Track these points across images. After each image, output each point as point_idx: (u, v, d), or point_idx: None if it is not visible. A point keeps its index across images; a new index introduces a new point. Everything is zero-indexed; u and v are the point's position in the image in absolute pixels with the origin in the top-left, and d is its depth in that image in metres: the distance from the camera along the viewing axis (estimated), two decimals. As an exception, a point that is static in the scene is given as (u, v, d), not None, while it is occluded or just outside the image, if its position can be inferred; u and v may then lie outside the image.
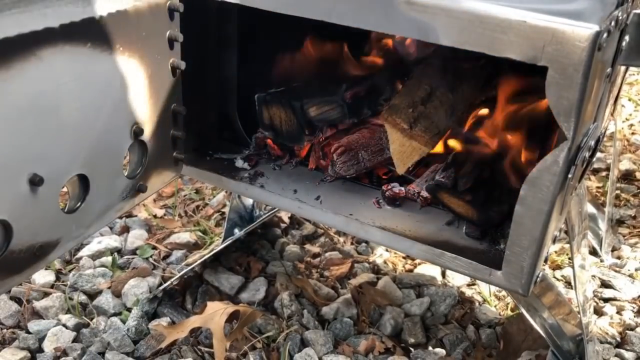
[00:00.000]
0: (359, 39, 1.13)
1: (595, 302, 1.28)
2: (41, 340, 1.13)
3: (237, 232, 1.32)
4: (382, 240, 0.87)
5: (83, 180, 0.78)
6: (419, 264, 1.37)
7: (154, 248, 1.40)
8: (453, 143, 0.97)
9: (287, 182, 0.96)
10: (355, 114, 1.01)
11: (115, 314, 1.20)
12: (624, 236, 1.51)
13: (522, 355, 1.12)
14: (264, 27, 0.99)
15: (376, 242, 1.26)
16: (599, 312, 1.25)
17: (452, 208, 0.86)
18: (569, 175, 0.68)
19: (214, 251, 1.30)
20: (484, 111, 1.00)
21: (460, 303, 1.26)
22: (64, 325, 1.16)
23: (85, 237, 0.84)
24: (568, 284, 1.33)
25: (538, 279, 0.76)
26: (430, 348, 1.16)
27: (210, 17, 0.97)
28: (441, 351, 1.14)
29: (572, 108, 0.62)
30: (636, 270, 1.38)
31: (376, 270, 1.36)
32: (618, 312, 1.25)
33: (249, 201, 1.35)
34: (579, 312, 1.00)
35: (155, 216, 1.52)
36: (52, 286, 1.27)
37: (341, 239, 1.46)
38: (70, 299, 1.22)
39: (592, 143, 0.73)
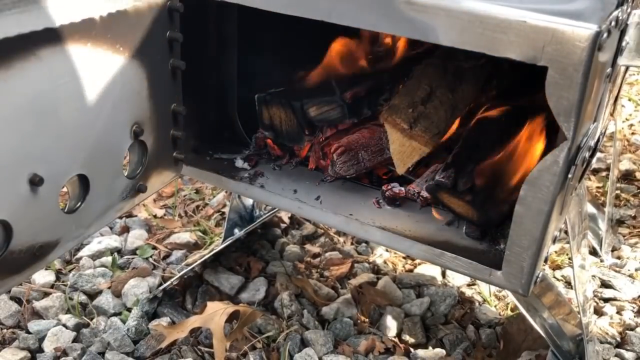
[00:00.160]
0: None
1: (595, 302, 1.28)
2: (41, 340, 1.13)
3: (237, 232, 1.32)
4: (382, 240, 0.87)
5: (83, 180, 0.78)
6: (419, 264, 1.37)
7: (154, 248, 1.40)
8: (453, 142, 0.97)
9: (287, 182, 0.96)
10: (355, 114, 1.01)
11: (115, 314, 1.20)
12: (624, 236, 1.51)
13: (522, 355, 1.12)
14: (264, 26, 0.99)
15: (376, 242, 1.26)
16: (599, 312, 1.25)
17: (452, 208, 0.86)
18: (569, 175, 0.68)
19: (214, 251, 1.30)
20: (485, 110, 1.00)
21: (460, 303, 1.26)
22: (64, 325, 1.16)
23: (85, 237, 0.84)
24: (568, 284, 1.33)
25: (538, 279, 0.76)
26: (430, 348, 1.16)
27: (210, 17, 0.97)
28: (441, 351, 1.14)
29: (572, 108, 0.62)
30: (636, 270, 1.37)
31: (376, 270, 1.36)
32: (618, 312, 1.25)
33: (249, 201, 1.35)
34: (579, 312, 1.00)
35: (155, 216, 1.52)
36: (52, 286, 1.27)
37: (341, 239, 1.46)
38: (70, 299, 1.22)
39: (592, 143, 0.73)
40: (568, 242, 1.08)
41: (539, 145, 0.88)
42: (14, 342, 1.11)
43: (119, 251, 1.39)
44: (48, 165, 0.71)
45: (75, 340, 1.14)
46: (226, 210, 1.44)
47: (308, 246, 1.43)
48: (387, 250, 1.41)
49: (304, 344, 1.15)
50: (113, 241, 1.40)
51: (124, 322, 1.17)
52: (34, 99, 0.67)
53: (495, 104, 1.00)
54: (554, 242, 0.78)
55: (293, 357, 1.11)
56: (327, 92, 1.00)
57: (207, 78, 1.01)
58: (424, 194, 0.89)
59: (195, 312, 1.20)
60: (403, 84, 0.97)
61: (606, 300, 1.29)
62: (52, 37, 0.67)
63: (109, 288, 1.26)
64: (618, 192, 1.66)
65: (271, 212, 1.36)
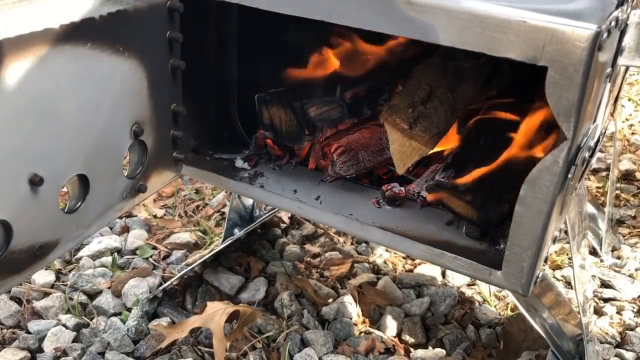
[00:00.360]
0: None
1: (595, 302, 1.28)
2: (41, 340, 1.13)
3: (237, 232, 1.32)
4: (382, 240, 0.87)
5: (83, 180, 0.78)
6: (419, 264, 1.37)
7: (154, 248, 1.40)
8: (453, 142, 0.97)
9: (287, 182, 0.96)
10: (355, 114, 1.01)
11: (115, 314, 1.20)
12: (624, 236, 1.51)
13: (522, 355, 1.12)
14: (264, 26, 0.99)
15: (376, 242, 1.26)
16: (599, 312, 1.25)
17: (452, 208, 0.86)
18: (569, 175, 0.68)
19: (214, 251, 1.30)
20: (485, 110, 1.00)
21: (460, 303, 1.26)
22: (64, 325, 1.16)
23: (85, 237, 0.84)
24: (568, 284, 1.33)
25: (538, 279, 0.76)
26: (430, 348, 1.16)
27: (210, 17, 0.97)
28: (441, 351, 1.14)
29: (572, 108, 0.62)
30: (636, 270, 1.37)
31: (376, 270, 1.36)
32: (618, 312, 1.25)
33: (249, 201, 1.35)
34: (579, 312, 1.00)
35: (155, 216, 1.52)
36: (52, 286, 1.27)
37: (341, 239, 1.46)
38: (70, 299, 1.22)
39: (592, 143, 0.73)
40: (568, 242, 1.08)
41: (539, 145, 0.88)
42: (14, 342, 1.11)
43: (119, 251, 1.39)
44: (48, 165, 0.71)
45: (75, 340, 1.14)
46: (226, 210, 1.44)
47: (308, 246, 1.43)
48: (387, 250, 1.41)
49: (304, 344, 1.15)
50: (113, 241, 1.40)
51: (124, 322, 1.17)
52: (34, 99, 0.67)
53: (495, 103, 1.00)
54: (554, 242, 0.78)
55: (293, 357, 1.11)
56: (327, 92, 1.01)
57: (207, 78, 1.01)
58: (424, 194, 0.89)
59: (195, 312, 1.20)
60: (403, 84, 0.97)
61: (606, 300, 1.29)
62: (52, 37, 0.67)
63: (109, 288, 1.26)
64: (618, 192, 1.66)
65: (271, 212, 1.36)
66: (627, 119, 2.12)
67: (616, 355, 1.15)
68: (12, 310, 1.18)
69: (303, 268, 1.35)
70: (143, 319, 1.17)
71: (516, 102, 0.99)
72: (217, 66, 1.02)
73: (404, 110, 0.87)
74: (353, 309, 1.23)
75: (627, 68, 1.02)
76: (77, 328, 1.16)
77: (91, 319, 1.19)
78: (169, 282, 1.24)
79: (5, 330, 1.14)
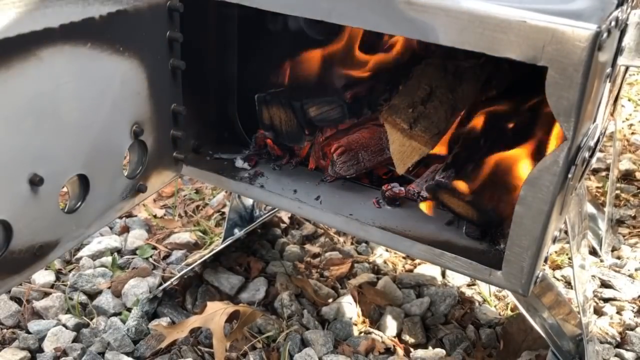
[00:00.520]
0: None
1: (595, 302, 1.28)
2: (41, 340, 1.13)
3: (237, 232, 1.32)
4: (382, 240, 0.87)
5: (83, 180, 0.78)
6: (419, 264, 1.37)
7: (154, 248, 1.40)
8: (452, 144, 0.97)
9: (287, 182, 0.96)
10: (355, 114, 1.01)
11: (115, 314, 1.20)
12: (624, 236, 1.51)
13: (522, 355, 1.12)
14: (264, 26, 0.99)
15: (376, 242, 1.26)
16: (599, 312, 1.25)
17: (452, 208, 0.86)
18: (569, 175, 0.68)
19: (214, 251, 1.30)
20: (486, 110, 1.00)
21: (460, 303, 1.26)
22: (64, 325, 1.16)
23: (85, 237, 0.84)
24: (568, 284, 1.33)
25: (538, 279, 0.76)
26: (430, 348, 1.16)
27: (210, 17, 0.97)
28: (441, 351, 1.14)
29: (572, 108, 0.62)
30: (636, 270, 1.37)
31: (376, 270, 1.36)
32: (618, 312, 1.25)
33: (249, 201, 1.35)
34: (579, 312, 1.00)
35: (155, 216, 1.52)
36: (52, 286, 1.27)
37: (341, 239, 1.46)
38: (70, 299, 1.22)
39: (592, 143, 0.73)
40: (568, 242, 1.08)
41: (539, 145, 0.88)
42: (14, 342, 1.11)
43: (119, 251, 1.39)
44: (48, 165, 0.71)
45: (75, 340, 1.14)
46: (226, 210, 1.44)
47: (308, 246, 1.43)
48: (387, 250, 1.41)
49: (304, 344, 1.15)
50: (113, 241, 1.40)
51: (124, 322, 1.17)
52: (34, 99, 0.67)
53: (495, 103, 1.00)
54: (554, 242, 0.78)
55: (293, 357, 1.11)
56: (327, 92, 1.00)
57: (207, 78, 1.01)
58: (424, 194, 0.89)
59: (195, 312, 1.20)
60: (403, 84, 0.97)
61: (606, 300, 1.29)
62: (52, 37, 0.67)
63: (109, 288, 1.26)
64: (618, 192, 1.66)
65: (271, 212, 1.36)
66: (627, 119, 2.12)
67: (616, 355, 1.15)
68: (12, 310, 1.18)
69: (303, 268, 1.35)
70: (143, 319, 1.17)
71: (516, 102, 0.99)
72: (217, 66, 1.02)
73: (404, 110, 0.87)
74: (353, 309, 1.23)
75: (627, 68, 1.02)
76: (77, 328, 1.16)
77: (91, 319, 1.19)
78: (169, 282, 1.24)
79: (5, 330, 1.14)
